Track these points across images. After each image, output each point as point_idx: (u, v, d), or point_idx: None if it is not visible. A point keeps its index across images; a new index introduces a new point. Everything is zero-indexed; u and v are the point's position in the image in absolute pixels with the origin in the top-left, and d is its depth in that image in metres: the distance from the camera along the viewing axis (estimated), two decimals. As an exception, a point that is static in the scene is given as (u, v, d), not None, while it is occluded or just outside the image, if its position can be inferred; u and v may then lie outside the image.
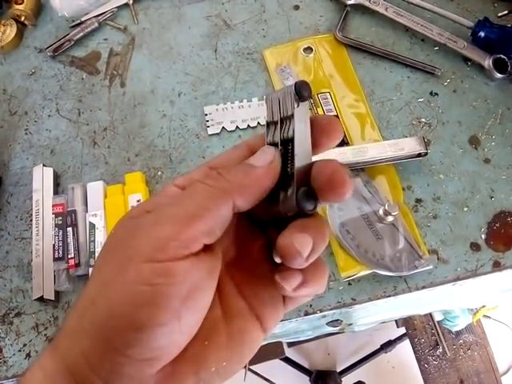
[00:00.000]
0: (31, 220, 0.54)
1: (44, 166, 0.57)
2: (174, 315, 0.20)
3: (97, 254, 0.51)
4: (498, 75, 0.60)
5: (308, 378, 1.44)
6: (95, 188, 0.55)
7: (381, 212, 0.52)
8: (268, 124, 0.26)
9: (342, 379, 1.42)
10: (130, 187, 0.55)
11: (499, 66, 0.60)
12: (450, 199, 0.55)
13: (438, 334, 1.16)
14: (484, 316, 1.16)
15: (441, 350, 1.15)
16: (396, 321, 1.23)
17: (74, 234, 0.52)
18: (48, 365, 0.22)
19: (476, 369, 1.13)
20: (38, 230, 0.53)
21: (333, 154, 0.53)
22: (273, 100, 0.26)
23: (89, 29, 0.66)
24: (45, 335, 0.51)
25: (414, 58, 0.62)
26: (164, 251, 0.21)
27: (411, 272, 0.50)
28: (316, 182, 0.24)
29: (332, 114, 0.60)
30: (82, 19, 0.67)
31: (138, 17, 0.68)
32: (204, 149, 0.59)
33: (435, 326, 1.17)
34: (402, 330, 1.28)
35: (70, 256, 0.51)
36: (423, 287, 0.51)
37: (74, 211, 0.53)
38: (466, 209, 0.55)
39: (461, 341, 1.16)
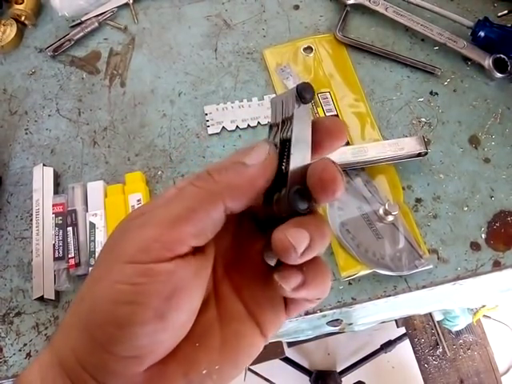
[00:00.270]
0: (31, 220, 0.54)
1: (44, 165, 0.57)
2: (154, 314, 0.20)
3: (97, 254, 0.51)
4: (498, 75, 0.60)
5: (308, 378, 1.44)
6: (95, 188, 0.55)
7: (381, 211, 0.52)
8: (271, 126, 0.26)
9: (342, 379, 1.42)
10: (130, 187, 0.55)
11: (499, 65, 0.60)
12: (450, 199, 0.55)
13: (438, 334, 1.16)
14: (484, 316, 1.16)
15: (441, 350, 1.15)
16: (396, 321, 1.23)
17: (74, 234, 0.52)
18: (44, 359, 0.22)
19: (476, 369, 1.13)
20: (38, 230, 0.53)
21: (333, 153, 0.53)
22: (277, 102, 0.26)
23: (89, 28, 0.66)
24: (45, 335, 0.51)
25: (414, 57, 0.62)
26: (147, 253, 0.21)
27: (411, 271, 0.50)
28: (309, 180, 0.23)
29: (332, 113, 0.60)
30: (82, 19, 0.67)
31: (138, 16, 0.68)
32: (204, 148, 0.59)
33: (435, 325, 1.17)
34: (402, 330, 1.28)
35: (70, 256, 0.51)
36: (423, 287, 0.51)
37: (74, 211, 0.53)
38: (466, 208, 0.55)
39: (461, 341, 1.16)
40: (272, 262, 0.25)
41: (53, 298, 0.50)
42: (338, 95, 0.61)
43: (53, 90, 0.64)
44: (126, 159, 0.59)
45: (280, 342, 1.13)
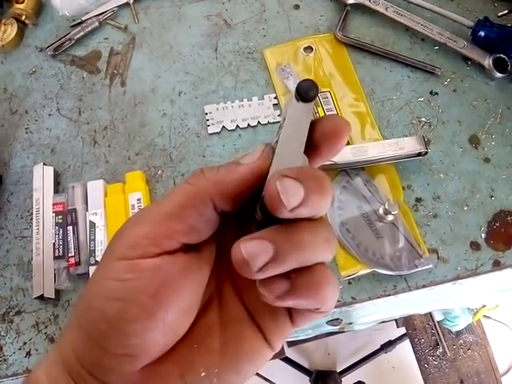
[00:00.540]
0: (31, 219, 0.55)
1: (44, 164, 0.57)
2: (142, 310, 0.20)
3: (97, 253, 0.51)
4: (498, 75, 0.60)
5: (308, 378, 1.43)
6: (95, 187, 0.55)
7: (381, 211, 0.52)
8: (280, 126, 0.26)
9: (342, 379, 1.42)
10: (130, 186, 0.55)
11: (499, 65, 0.60)
12: (450, 198, 0.55)
13: (438, 334, 1.16)
14: (484, 316, 1.16)
15: (441, 350, 1.15)
16: (396, 321, 1.23)
17: (74, 233, 0.52)
18: (50, 357, 0.23)
19: (476, 369, 1.13)
20: (38, 229, 0.53)
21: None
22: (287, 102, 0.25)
23: (89, 28, 0.66)
24: (45, 333, 0.51)
25: (414, 57, 0.62)
26: (135, 248, 0.21)
27: (411, 271, 0.50)
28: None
29: (332, 113, 0.60)
30: (83, 18, 0.67)
31: (138, 16, 0.68)
32: (204, 148, 0.59)
33: (435, 326, 1.17)
34: (402, 330, 1.28)
35: (70, 254, 0.51)
36: (423, 286, 0.51)
37: (75, 210, 0.53)
38: (466, 208, 0.55)
39: (461, 341, 1.16)
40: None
41: (53, 296, 0.50)
42: (338, 95, 0.61)
43: (53, 90, 0.64)
44: (126, 158, 0.59)
45: (280, 342, 1.13)
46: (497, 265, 0.52)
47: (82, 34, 0.66)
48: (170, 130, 0.60)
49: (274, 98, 0.61)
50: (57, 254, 0.51)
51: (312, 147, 0.22)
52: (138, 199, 0.54)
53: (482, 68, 0.61)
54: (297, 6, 0.68)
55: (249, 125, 0.60)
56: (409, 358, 1.27)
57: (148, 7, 0.69)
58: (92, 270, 0.51)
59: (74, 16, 0.67)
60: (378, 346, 1.39)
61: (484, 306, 1.03)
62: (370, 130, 0.59)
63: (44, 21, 0.69)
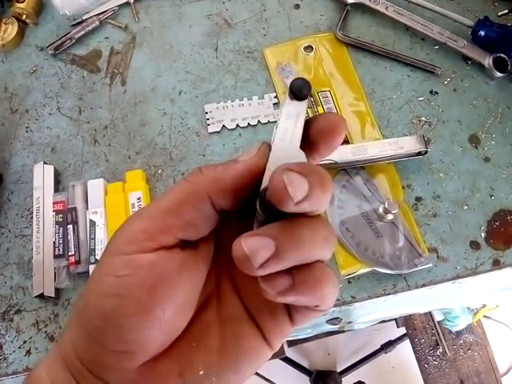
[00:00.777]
0: (32, 217, 0.55)
1: (45, 163, 0.57)
2: (138, 306, 0.20)
3: (97, 251, 0.51)
4: (498, 74, 0.60)
5: (308, 378, 1.43)
6: (96, 186, 0.55)
7: (381, 210, 0.52)
8: (276, 125, 0.26)
9: (342, 379, 1.42)
10: (130, 185, 0.55)
11: (499, 65, 0.60)
12: (449, 198, 0.55)
13: (438, 334, 1.16)
14: (484, 316, 1.16)
15: (441, 350, 1.15)
16: (396, 321, 1.23)
17: (74, 232, 0.52)
18: (52, 354, 0.23)
19: (476, 369, 1.13)
20: (38, 228, 0.53)
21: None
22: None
23: (90, 27, 0.66)
24: (45, 332, 0.51)
25: (414, 56, 0.63)
26: (132, 244, 0.21)
27: (411, 270, 0.50)
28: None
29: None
30: (83, 18, 0.67)
31: (138, 15, 0.68)
32: (204, 147, 0.59)
33: (435, 326, 1.17)
34: (402, 330, 1.28)
35: (70, 253, 0.51)
36: (423, 285, 0.51)
37: (75, 209, 0.53)
38: (465, 207, 0.55)
39: (461, 341, 1.16)
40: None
41: (53, 295, 0.51)
42: (338, 94, 0.61)
43: (54, 89, 0.64)
44: (126, 157, 0.59)
45: (280, 342, 1.13)
46: (496, 264, 0.52)
47: (82, 33, 0.66)
48: (170, 129, 0.60)
49: (274, 97, 0.61)
50: (57, 253, 0.51)
51: (309, 145, 0.22)
52: (138, 198, 0.54)
53: (482, 67, 0.61)
54: (297, 6, 0.68)
55: (249, 124, 0.60)
56: (409, 358, 1.27)
57: (148, 6, 0.69)
58: (92, 268, 0.51)
59: (74, 15, 0.67)
60: (378, 346, 1.39)
61: (484, 306, 1.03)
62: (370, 130, 0.59)
63: (44, 20, 0.69)
